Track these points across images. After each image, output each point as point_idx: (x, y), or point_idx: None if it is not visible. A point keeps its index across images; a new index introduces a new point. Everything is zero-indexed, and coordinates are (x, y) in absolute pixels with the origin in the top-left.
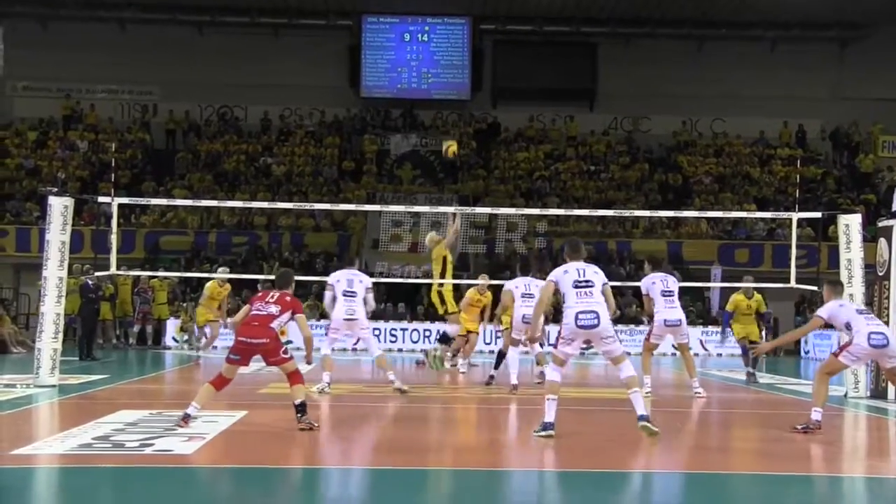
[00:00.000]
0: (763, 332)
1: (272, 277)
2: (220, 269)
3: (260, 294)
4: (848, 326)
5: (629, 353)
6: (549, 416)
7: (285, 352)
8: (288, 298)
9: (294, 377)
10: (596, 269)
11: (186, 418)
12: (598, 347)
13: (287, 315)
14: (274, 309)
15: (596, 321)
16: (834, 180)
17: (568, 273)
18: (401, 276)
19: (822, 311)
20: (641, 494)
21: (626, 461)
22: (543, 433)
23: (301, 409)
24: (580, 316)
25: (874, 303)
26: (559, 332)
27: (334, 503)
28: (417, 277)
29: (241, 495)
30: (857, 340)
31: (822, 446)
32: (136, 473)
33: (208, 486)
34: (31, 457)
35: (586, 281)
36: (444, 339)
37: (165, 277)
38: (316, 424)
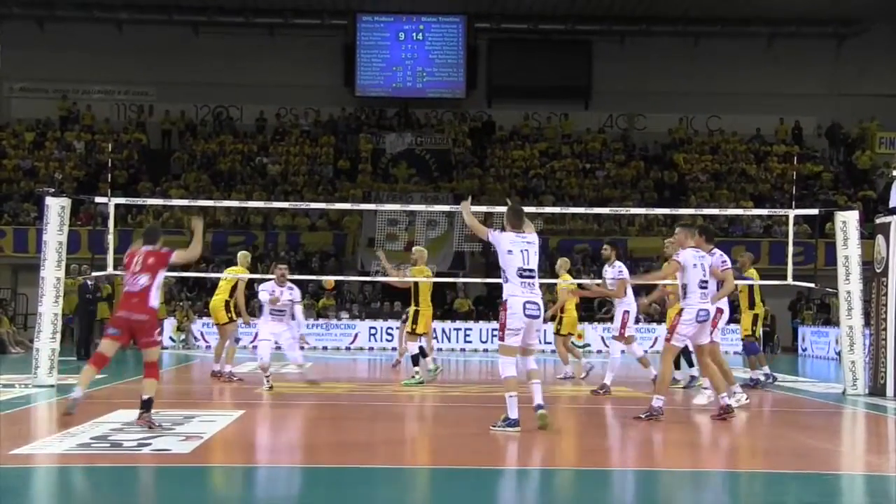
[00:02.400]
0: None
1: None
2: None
3: (126, 260)
4: (685, 289)
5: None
6: (514, 413)
7: (159, 334)
8: (151, 260)
9: (152, 369)
10: (536, 248)
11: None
12: (528, 334)
13: (161, 276)
14: (144, 279)
15: (538, 311)
16: (831, 177)
17: (512, 254)
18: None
19: (679, 257)
20: (634, 492)
21: (616, 459)
22: (508, 429)
23: (147, 405)
24: (528, 306)
25: (872, 299)
26: (503, 323)
27: (331, 502)
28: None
29: (238, 495)
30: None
31: (822, 444)
32: (134, 473)
33: (206, 486)
34: (30, 456)
35: (529, 270)
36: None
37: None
38: (157, 425)
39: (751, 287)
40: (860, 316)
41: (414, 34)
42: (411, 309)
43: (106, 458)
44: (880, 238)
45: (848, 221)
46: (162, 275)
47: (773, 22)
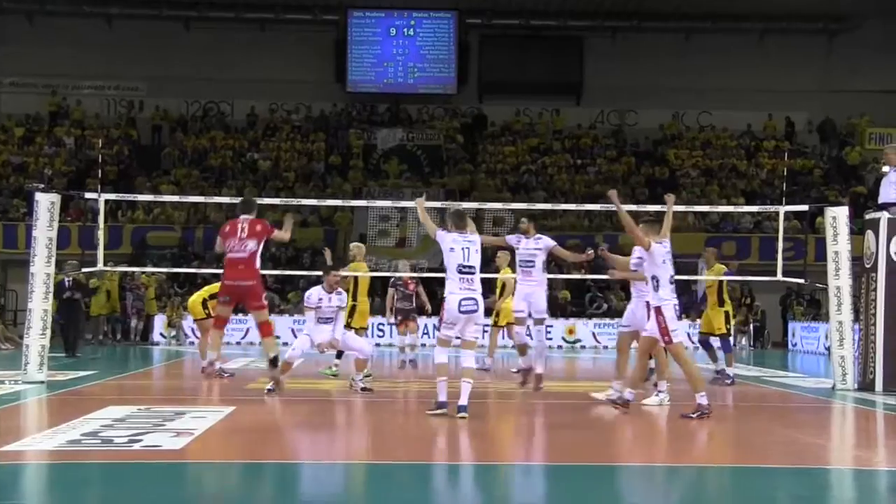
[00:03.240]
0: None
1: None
2: None
3: (228, 229)
4: (655, 279)
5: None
6: (442, 397)
7: (265, 297)
8: (258, 227)
9: (267, 328)
10: (477, 247)
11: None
12: (466, 329)
13: (263, 243)
14: (251, 245)
15: (475, 307)
16: (821, 173)
17: (454, 251)
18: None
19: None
20: (631, 488)
21: (614, 455)
22: (438, 411)
23: (274, 362)
24: (463, 302)
25: (861, 295)
26: (441, 317)
27: (323, 498)
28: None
29: (229, 491)
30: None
31: (811, 439)
32: (125, 469)
33: (197, 482)
34: (20, 453)
35: (469, 267)
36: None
37: (153, 273)
38: (282, 382)
39: (720, 284)
40: (850, 311)
41: (405, 30)
42: (349, 303)
43: (96, 454)
44: (870, 234)
45: (838, 217)
46: (263, 243)
47: (764, 18)
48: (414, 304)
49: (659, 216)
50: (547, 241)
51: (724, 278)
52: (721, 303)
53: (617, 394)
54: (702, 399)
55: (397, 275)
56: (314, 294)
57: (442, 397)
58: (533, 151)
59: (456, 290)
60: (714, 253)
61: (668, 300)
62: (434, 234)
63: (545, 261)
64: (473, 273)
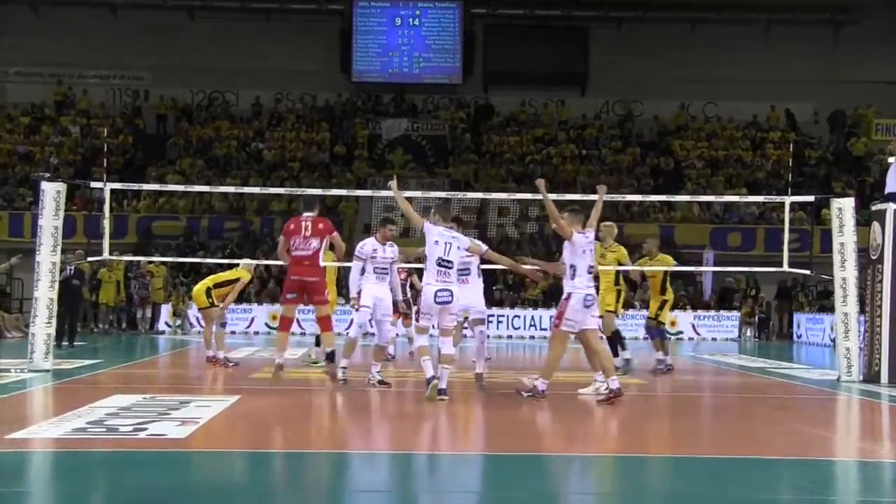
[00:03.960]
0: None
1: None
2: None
3: (293, 226)
4: (573, 268)
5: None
6: (430, 372)
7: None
8: (321, 225)
9: (326, 323)
10: (458, 243)
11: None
12: (441, 319)
13: (328, 241)
14: (315, 242)
15: (450, 298)
16: (827, 164)
17: (438, 244)
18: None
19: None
20: (633, 477)
21: (615, 445)
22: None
23: (331, 357)
24: (438, 293)
25: (867, 286)
26: (418, 307)
27: (328, 487)
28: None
29: (235, 480)
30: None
31: (815, 430)
32: (130, 457)
33: (202, 471)
34: (26, 441)
35: (448, 261)
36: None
37: (162, 263)
38: (340, 378)
39: (665, 274)
40: (855, 303)
41: (410, 19)
42: None
43: (102, 442)
44: (876, 225)
45: (844, 208)
46: (328, 241)
47: (770, 8)
48: (408, 295)
49: (586, 207)
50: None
51: (721, 269)
52: (663, 291)
53: (604, 385)
54: (542, 385)
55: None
56: (368, 245)
57: (430, 373)
58: (538, 142)
59: (433, 282)
60: (656, 244)
61: (580, 290)
62: (421, 226)
63: (478, 263)
64: (451, 267)
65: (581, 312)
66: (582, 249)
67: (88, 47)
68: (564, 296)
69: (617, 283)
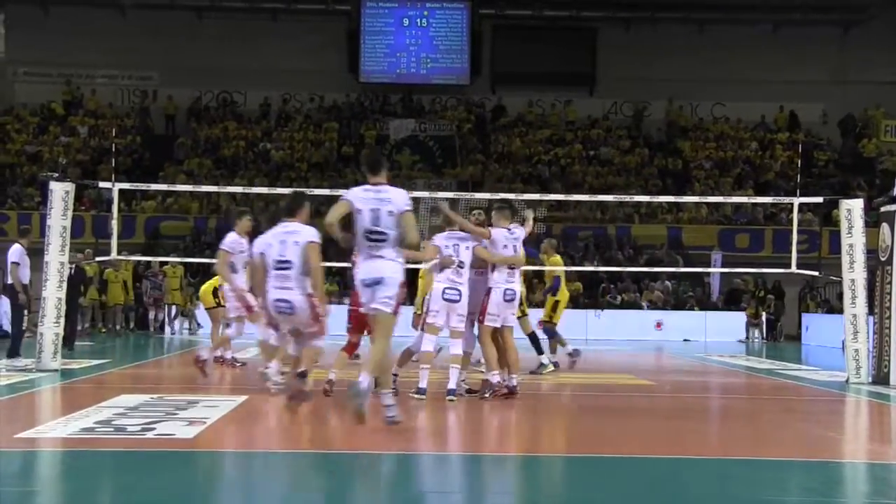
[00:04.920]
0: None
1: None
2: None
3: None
4: (493, 267)
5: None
6: (423, 384)
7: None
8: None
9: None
10: (467, 244)
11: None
12: (449, 318)
13: None
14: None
15: (458, 297)
16: (835, 165)
17: (448, 247)
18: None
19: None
20: (638, 478)
21: (620, 446)
22: (417, 396)
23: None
24: (447, 291)
25: (876, 288)
26: (428, 307)
27: (335, 488)
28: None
29: (242, 480)
30: (493, 296)
31: (824, 432)
32: (138, 457)
33: (210, 471)
34: (34, 440)
35: (459, 262)
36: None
37: (174, 264)
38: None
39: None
40: (864, 304)
41: (418, 20)
42: None
43: (109, 442)
44: (885, 226)
45: (853, 209)
46: None
47: (778, 9)
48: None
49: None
50: None
51: (729, 270)
52: (555, 291)
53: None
54: (494, 378)
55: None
56: (438, 239)
57: (423, 384)
58: (546, 142)
59: (443, 280)
60: (553, 244)
61: (501, 284)
62: (489, 235)
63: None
64: (462, 267)
65: (502, 306)
66: (503, 245)
67: (97, 47)
68: (486, 291)
69: (555, 292)
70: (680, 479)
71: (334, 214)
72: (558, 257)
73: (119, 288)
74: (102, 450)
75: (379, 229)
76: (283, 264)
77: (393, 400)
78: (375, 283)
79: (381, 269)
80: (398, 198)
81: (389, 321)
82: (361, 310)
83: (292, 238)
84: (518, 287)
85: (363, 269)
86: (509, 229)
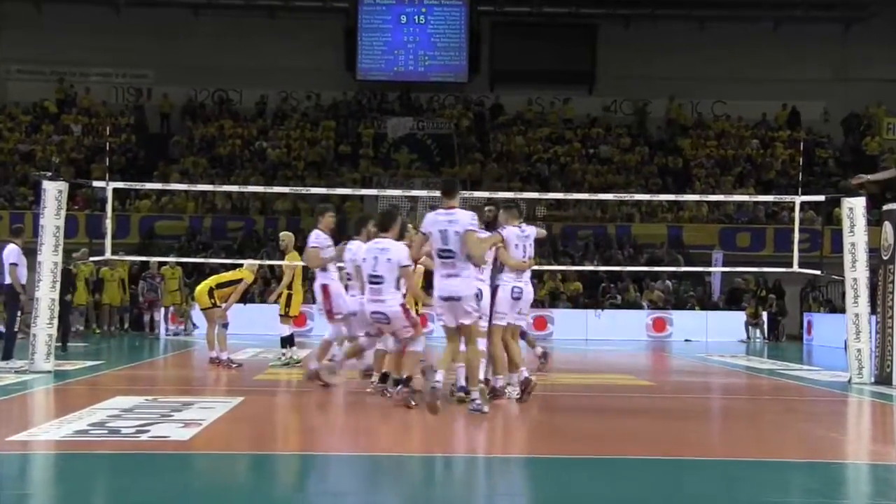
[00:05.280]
0: None
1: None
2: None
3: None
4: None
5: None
6: (461, 381)
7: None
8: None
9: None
10: (457, 226)
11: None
12: (459, 318)
13: None
14: None
15: (459, 294)
16: (837, 163)
17: (433, 235)
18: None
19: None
20: (638, 480)
21: (625, 448)
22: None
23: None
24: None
25: (879, 287)
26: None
27: (332, 490)
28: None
29: (238, 482)
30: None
31: (826, 433)
32: (133, 460)
33: (205, 473)
34: (27, 443)
35: (447, 251)
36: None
37: (174, 264)
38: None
39: (295, 269)
40: (867, 303)
41: (416, 17)
42: (284, 293)
43: (104, 444)
44: (888, 225)
45: (855, 208)
46: None
47: (779, 6)
48: None
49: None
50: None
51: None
52: (291, 286)
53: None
54: (499, 382)
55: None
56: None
57: (461, 381)
58: (545, 141)
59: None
60: (291, 238)
61: (507, 282)
62: (499, 239)
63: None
64: (454, 257)
65: (509, 304)
66: (514, 244)
67: (91, 45)
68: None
69: (290, 288)
70: (680, 480)
71: (418, 251)
72: (296, 253)
73: (116, 287)
74: (96, 452)
75: (448, 248)
76: (376, 279)
77: (478, 394)
78: (453, 299)
79: (456, 288)
80: (463, 218)
81: (475, 329)
82: (440, 323)
83: (384, 255)
84: (525, 285)
85: (441, 286)
86: (521, 227)
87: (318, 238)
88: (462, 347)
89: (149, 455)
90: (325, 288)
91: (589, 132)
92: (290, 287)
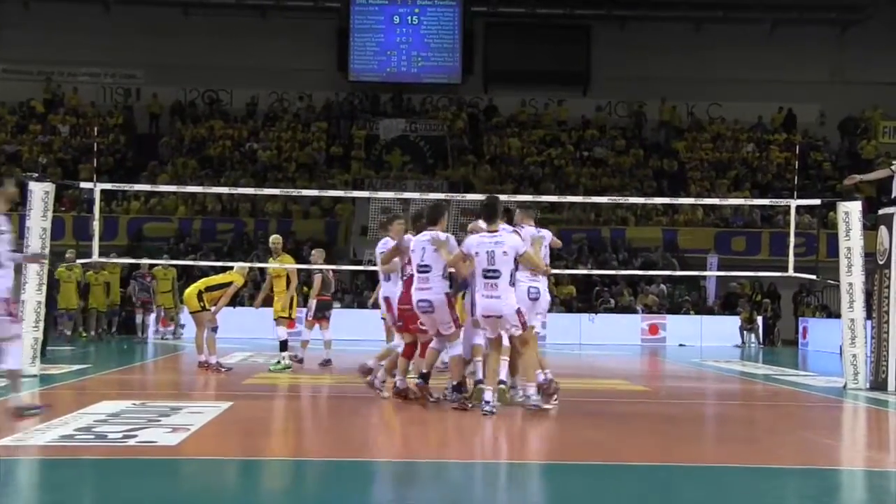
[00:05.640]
0: None
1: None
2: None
3: None
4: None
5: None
6: (480, 374)
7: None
8: None
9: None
10: (505, 247)
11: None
12: (504, 331)
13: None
14: None
15: (538, 294)
16: (833, 166)
17: (479, 255)
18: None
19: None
20: (632, 487)
21: (618, 454)
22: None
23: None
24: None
25: (874, 292)
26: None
27: (320, 496)
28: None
29: (226, 488)
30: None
31: (821, 439)
32: (120, 465)
33: (193, 478)
34: (13, 448)
35: (494, 271)
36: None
37: (165, 266)
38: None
39: (289, 273)
40: (862, 309)
41: (409, 18)
42: (286, 296)
43: (90, 450)
44: (883, 229)
45: (850, 212)
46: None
47: (775, 8)
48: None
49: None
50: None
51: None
52: (287, 288)
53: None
54: (540, 377)
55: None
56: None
57: (480, 374)
58: (539, 143)
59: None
60: (279, 241)
61: (523, 282)
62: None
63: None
64: (499, 276)
65: (528, 305)
66: (530, 242)
67: (79, 44)
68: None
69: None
70: (674, 487)
71: (460, 262)
72: (288, 256)
73: (101, 291)
74: (83, 458)
75: (494, 268)
76: (423, 268)
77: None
78: (495, 316)
79: (498, 308)
80: (510, 240)
81: (526, 336)
82: (487, 337)
83: (431, 246)
84: (543, 286)
85: (483, 305)
86: (538, 229)
87: (387, 245)
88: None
89: (136, 461)
90: (387, 301)
91: (583, 134)
92: (288, 289)
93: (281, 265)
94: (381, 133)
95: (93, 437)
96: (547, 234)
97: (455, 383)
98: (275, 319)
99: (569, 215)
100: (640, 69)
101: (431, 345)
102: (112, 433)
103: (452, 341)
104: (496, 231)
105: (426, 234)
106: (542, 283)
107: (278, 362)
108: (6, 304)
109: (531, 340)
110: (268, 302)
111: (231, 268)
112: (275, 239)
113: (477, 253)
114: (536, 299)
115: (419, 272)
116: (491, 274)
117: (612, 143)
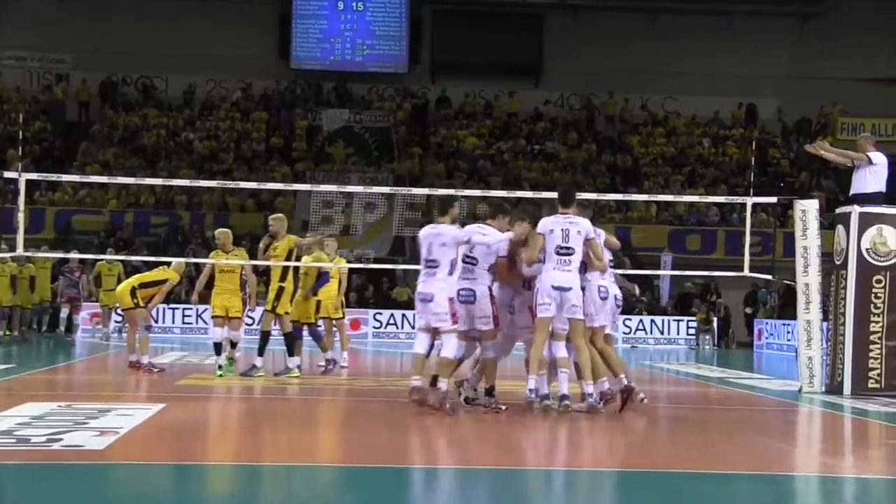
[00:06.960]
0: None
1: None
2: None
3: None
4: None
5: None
6: (544, 389)
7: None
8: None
9: None
10: (579, 227)
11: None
12: (563, 311)
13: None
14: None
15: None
16: (791, 163)
17: (553, 233)
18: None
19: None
20: (576, 493)
21: (568, 460)
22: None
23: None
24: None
25: (831, 293)
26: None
27: (253, 501)
28: (350, 262)
29: (156, 493)
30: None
31: (774, 443)
32: (43, 471)
33: (121, 484)
34: None
35: (567, 248)
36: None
37: (111, 261)
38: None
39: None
40: (818, 310)
41: (354, 4)
42: (276, 286)
43: (11, 454)
44: (840, 229)
45: (808, 210)
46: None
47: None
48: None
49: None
50: None
51: (680, 273)
52: (283, 278)
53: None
54: (604, 385)
55: (399, 267)
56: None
57: (543, 389)
58: (488, 136)
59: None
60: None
61: (593, 281)
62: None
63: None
64: (573, 253)
65: (598, 304)
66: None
67: (3, 26)
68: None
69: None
70: (623, 493)
71: (536, 250)
72: (322, 254)
73: (25, 287)
74: (3, 462)
75: (568, 245)
76: (430, 263)
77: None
78: (564, 290)
79: (569, 280)
80: (584, 224)
81: (581, 326)
82: (543, 316)
83: (439, 241)
84: (610, 286)
85: (553, 277)
86: (594, 228)
87: (489, 233)
88: (554, 350)
89: (61, 465)
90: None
91: (535, 127)
92: (282, 280)
93: (239, 261)
94: (323, 124)
95: (14, 440)
96: (602, 233)
97: (488, 387)
98: (269, 311)
99: (519, 211)
100: (593, 60)
101: (482, 355)
102: (35, 437)
103: (488, 339)
104: (569, 214)
105: (435, 227)
106: (612, 284)
107: (253, 366)
108: None
109: (598, 340)
110: (205, 300)
111: (169, 263)
112: (221, 233)
113: (552, 230)
114: (605, 298)
115: (427, 267)
116: (564, 251)
117: (564, 136)
